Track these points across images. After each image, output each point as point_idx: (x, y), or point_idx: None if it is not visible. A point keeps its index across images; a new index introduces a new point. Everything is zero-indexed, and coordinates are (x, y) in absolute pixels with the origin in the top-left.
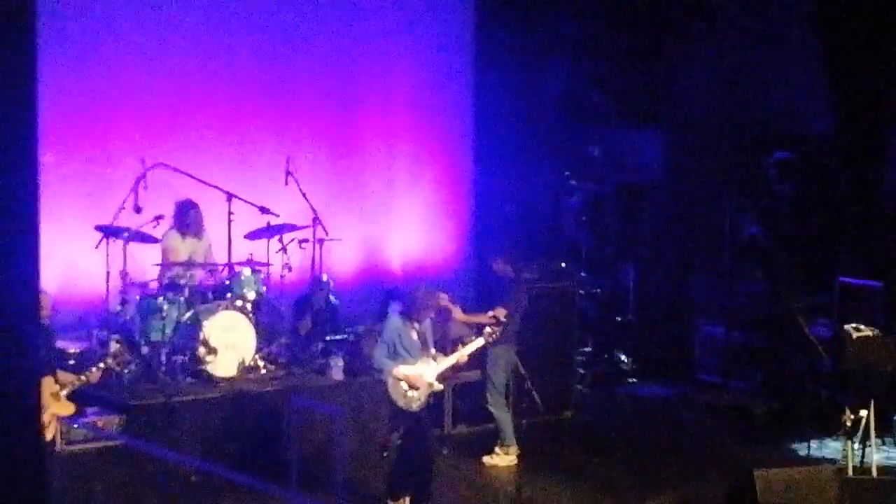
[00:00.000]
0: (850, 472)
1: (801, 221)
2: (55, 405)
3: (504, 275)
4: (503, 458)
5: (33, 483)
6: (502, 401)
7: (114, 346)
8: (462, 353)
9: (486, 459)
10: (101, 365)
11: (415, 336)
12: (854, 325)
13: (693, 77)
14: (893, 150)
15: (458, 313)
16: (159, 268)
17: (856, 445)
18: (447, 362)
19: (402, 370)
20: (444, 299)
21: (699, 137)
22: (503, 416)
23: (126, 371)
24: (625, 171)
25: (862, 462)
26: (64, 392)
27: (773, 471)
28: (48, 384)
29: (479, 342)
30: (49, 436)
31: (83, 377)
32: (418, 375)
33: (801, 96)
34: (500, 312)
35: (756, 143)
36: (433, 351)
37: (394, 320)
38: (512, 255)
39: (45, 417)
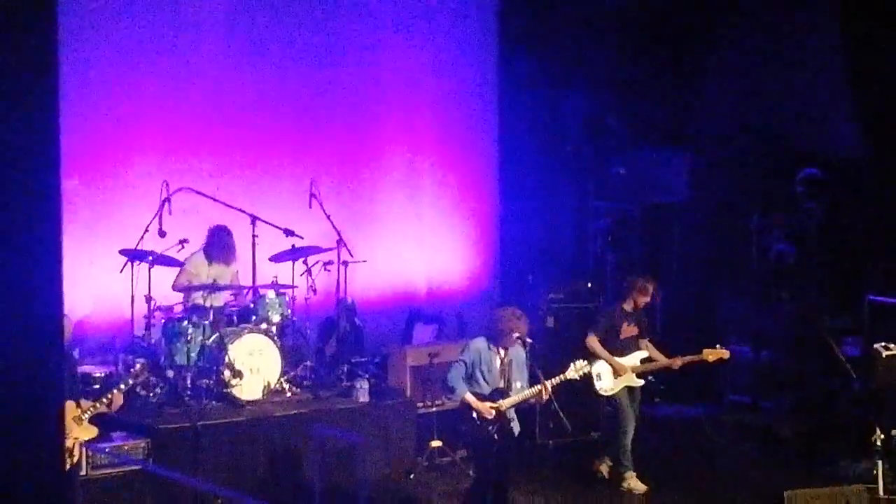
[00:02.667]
0: (881, 492)
1: (829, 239)
2: (78, 430)
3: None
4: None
5: None
6: None
7: (139, 370)
8: (546, 385)
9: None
10: (122, 386)
11: (497, 363)
12: (884, 343)
13: (719, 95)
14: None
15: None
16: (181, 292)
17: (886, 466)
18: (523, 395)
19: (472, 398)
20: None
21: (725, 156)
22: None
23: (151, 395)
24: (650, 191)
25: (894, 482)
26: (86, 416)
27: (803, 491)
28: (70, 409)
29: (569, 375)
30: (74, 461)
31: (105, 401)
32: (487, 407)
33: (828, 114)
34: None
35: (783, 160)
36: (519, 385)
37: (477, 342)
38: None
39: (69, 443)
